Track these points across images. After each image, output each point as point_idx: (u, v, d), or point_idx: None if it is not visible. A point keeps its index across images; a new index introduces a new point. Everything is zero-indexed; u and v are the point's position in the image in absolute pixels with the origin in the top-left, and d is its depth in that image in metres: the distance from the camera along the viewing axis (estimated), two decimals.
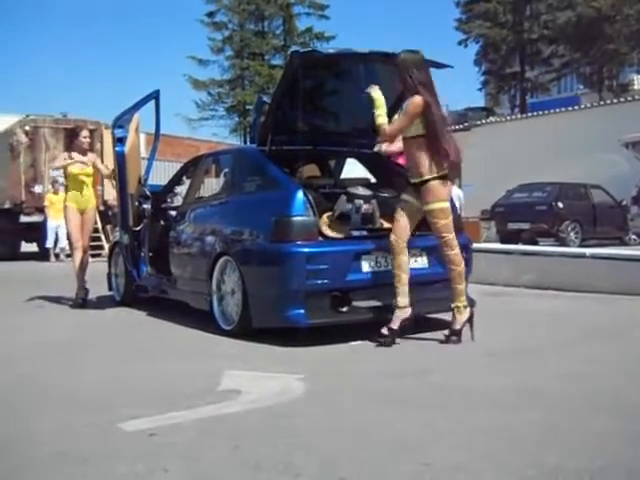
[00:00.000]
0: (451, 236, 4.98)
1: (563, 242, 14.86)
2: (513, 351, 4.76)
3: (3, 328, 6.05)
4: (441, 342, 4.92)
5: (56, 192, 14.81)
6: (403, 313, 4.90)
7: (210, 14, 36.79)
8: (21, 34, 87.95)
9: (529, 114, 24.88)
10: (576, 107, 20.82)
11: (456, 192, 14.30)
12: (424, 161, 4.90)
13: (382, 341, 4.84)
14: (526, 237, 15.23)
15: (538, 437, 2.91)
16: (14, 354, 4.94)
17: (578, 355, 4.65)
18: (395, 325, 4.88)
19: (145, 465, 2.66)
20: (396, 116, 5.38)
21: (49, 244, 15.85)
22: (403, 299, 4.89)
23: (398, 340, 4.99)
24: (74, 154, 7.48)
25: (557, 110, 22.76)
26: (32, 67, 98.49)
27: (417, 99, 4.86)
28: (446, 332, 4.97)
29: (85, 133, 7.65)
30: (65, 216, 7.62)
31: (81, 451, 2.83)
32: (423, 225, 5.74)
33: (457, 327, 4.95)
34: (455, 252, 4.99)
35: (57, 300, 7.74)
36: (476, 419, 3.18)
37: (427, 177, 4.91)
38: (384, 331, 4.87)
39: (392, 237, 4.96)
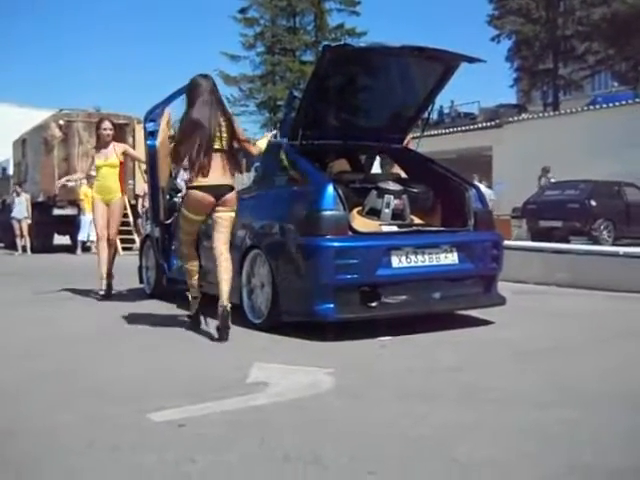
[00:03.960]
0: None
1: (596, 240, 14.66)
2: (545, 349, 4.69)
3: (35, 320, 6.12)
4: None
5: (91, 185, 14.89)
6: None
7: (242, 10, 37.01)
8: (56, 30, 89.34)
9: (571, 109, 24.54)
10: (617, 104, 20.59)
11: (485, 191, 14.14)
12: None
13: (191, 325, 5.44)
14: (558, 235, 15.05)
15: (571, 435, 2.86)
16: (46, 346, 4.99)
17: (611, 354, 4.59)
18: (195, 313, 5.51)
19: (173, 455, 2.67)
20: None
21: (83, 237, 15.96)
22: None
23: (428, 336, 4.98)
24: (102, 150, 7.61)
25: (592, 107, 22.49)
26: (67, 62, 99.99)
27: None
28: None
29: (105, 125, 7.63)
30: (92, 208, 7.75)
31: (111, 440, 2.85)
32: (453, 221, 5.71)
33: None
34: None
35: (87, 292, 7.82)
36: (507, 416, 3.15)
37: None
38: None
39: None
